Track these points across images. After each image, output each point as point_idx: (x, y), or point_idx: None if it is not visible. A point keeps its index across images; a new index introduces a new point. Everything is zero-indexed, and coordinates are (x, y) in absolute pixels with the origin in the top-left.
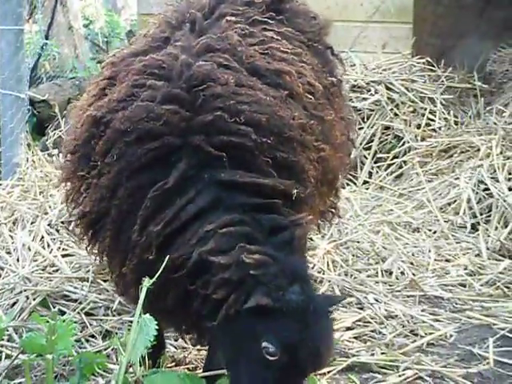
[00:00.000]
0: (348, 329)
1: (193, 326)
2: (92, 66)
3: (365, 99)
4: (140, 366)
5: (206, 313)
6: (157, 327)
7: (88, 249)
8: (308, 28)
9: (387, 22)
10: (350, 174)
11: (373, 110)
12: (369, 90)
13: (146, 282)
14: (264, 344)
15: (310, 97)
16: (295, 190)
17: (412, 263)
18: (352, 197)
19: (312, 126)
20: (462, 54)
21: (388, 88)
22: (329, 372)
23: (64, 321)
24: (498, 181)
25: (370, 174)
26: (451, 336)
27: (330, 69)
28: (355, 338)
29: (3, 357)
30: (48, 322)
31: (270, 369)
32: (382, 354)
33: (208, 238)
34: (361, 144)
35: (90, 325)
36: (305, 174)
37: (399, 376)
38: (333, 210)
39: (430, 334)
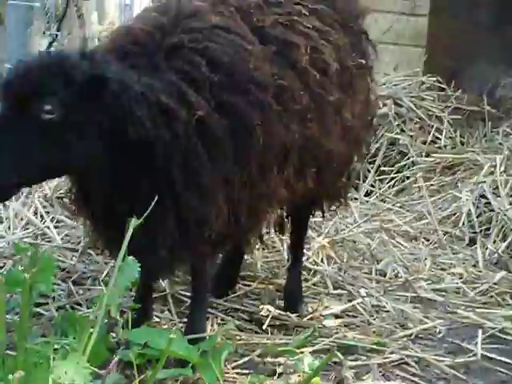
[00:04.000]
0: (337, 317)
1: None
2: None
3: None
4: (122, 329)
5: None
6: (139, 269)
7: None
8: (346, 9)
9: (400, 45)
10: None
11: (380, 125)
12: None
13: (133, 222)
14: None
15: (316, 73)
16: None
17: (407, 268)
18: (352, 204)
19: (300, 96)
20: (473, 77)
21: (396, 103)
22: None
23: (45, 253)
24: (499, 196)
25: (373, 186)
26: (440, 332)
27: (361, 51)
28: (345, 325)
29: None
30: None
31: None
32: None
33: None
34: (365, 157)
35: (77, 293)
36: (253, 129)
37: (384, 359)
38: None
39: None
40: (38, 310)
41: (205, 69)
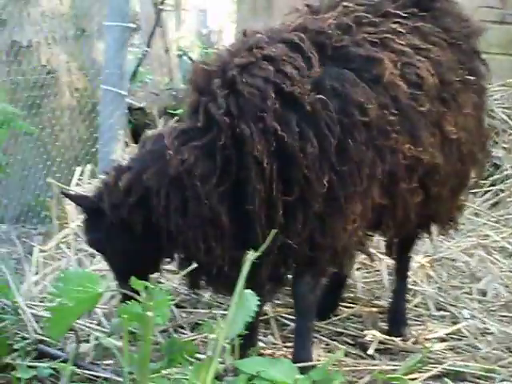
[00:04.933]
0: (442, 340)
1: None
2: None
3: None
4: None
5: None
6: (258, 303)
7: None
8: (455, 28)
9: (491, 53)
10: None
11: None
12: None
13: (250, 256)
14: None
15: (405, 86)
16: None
17: (507, 286)
18: None
19: (374, 109)
20: None
21: (489, 115)
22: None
23: (161, 289)
24: None
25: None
26: None
27: (471, 69)
28: (449, 349)
29: (91, 339)
30: (146, 287)
31: None
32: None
33: None
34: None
35: (180, 316)
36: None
37: None
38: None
39: None
40: None
41: (221, 115)
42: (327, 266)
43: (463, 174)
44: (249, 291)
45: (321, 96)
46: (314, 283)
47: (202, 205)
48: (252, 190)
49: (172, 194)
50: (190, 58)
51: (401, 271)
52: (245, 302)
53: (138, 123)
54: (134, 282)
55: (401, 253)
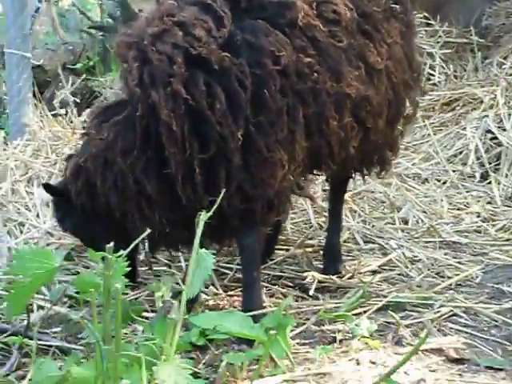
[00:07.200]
0: (374, 272)
1: None
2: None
3: None
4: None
5: None
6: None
7: None
8: None
9: None
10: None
11: None
12: None
13: (203, 216)
14: None
15: (322, 25)
16: None
17: (425, 212)
18: None
19: (287, 50)
20: (458, 8)
21: None
22: (365, 312)
23: (119, 256)
24: (504, 129)
25: None
26: (477, 277)
27: (396, 1)
28: (384, 280)
29: (35, 308)
30: (104, 258)
31: None
32: (414, 293)
33: None
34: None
35: None
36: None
37: (435, 313)
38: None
39: (457, 275)
40: None
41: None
42: (266, 216)
43: (398, 103)
44: (204, 250)
45: (226, 54)
46: (257, 233)
47: (128, 178)
48: (168, 154)
49: (107, 173)
50: (82, 12)
51: (334, 210)
52: (202, 261)
53: (38, 81)
54: (91, 253)
55: (335, 192)
